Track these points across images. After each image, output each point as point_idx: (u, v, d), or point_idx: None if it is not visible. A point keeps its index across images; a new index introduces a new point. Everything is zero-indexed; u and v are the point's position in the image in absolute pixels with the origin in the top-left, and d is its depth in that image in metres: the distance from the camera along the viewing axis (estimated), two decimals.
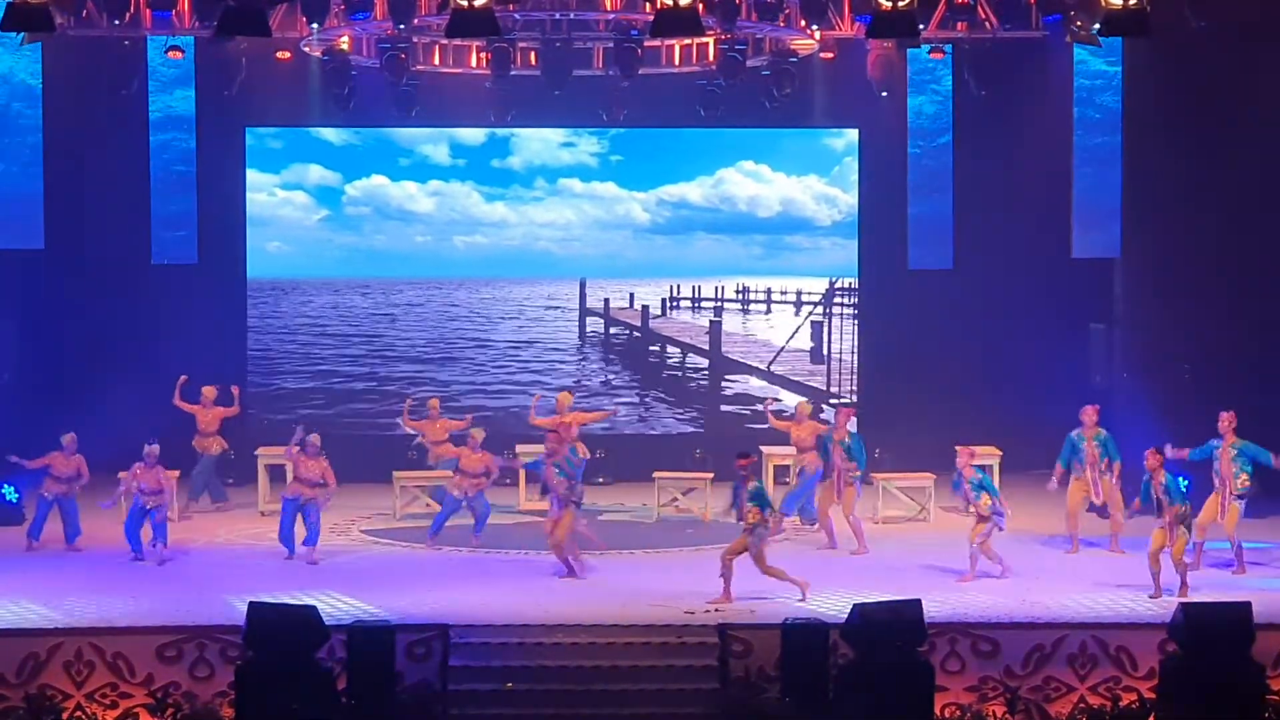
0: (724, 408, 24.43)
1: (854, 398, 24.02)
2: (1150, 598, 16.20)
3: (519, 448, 21.92)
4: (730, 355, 24.71)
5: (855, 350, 24.27)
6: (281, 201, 24.10)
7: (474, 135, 24.16)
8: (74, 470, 18.84)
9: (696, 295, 24.84)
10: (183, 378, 20.81)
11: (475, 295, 24.78)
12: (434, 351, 24.18)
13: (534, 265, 24.37)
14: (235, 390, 21.24)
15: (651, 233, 24.49)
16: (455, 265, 24.43)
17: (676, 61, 21.62)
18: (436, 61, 21.68)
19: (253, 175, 23.93)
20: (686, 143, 24.35)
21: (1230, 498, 17.85)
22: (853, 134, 24.06)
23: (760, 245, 24.65)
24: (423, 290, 24.69)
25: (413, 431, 21.43)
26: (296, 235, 24.19)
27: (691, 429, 24.17)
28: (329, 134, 24.10)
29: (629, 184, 24.38)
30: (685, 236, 24.60)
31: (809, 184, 24.41)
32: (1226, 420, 17.99)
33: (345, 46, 21.01)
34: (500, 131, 23.98)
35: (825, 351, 24.42)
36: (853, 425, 19.70)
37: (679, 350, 24.88)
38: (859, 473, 19.04)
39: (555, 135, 24.20)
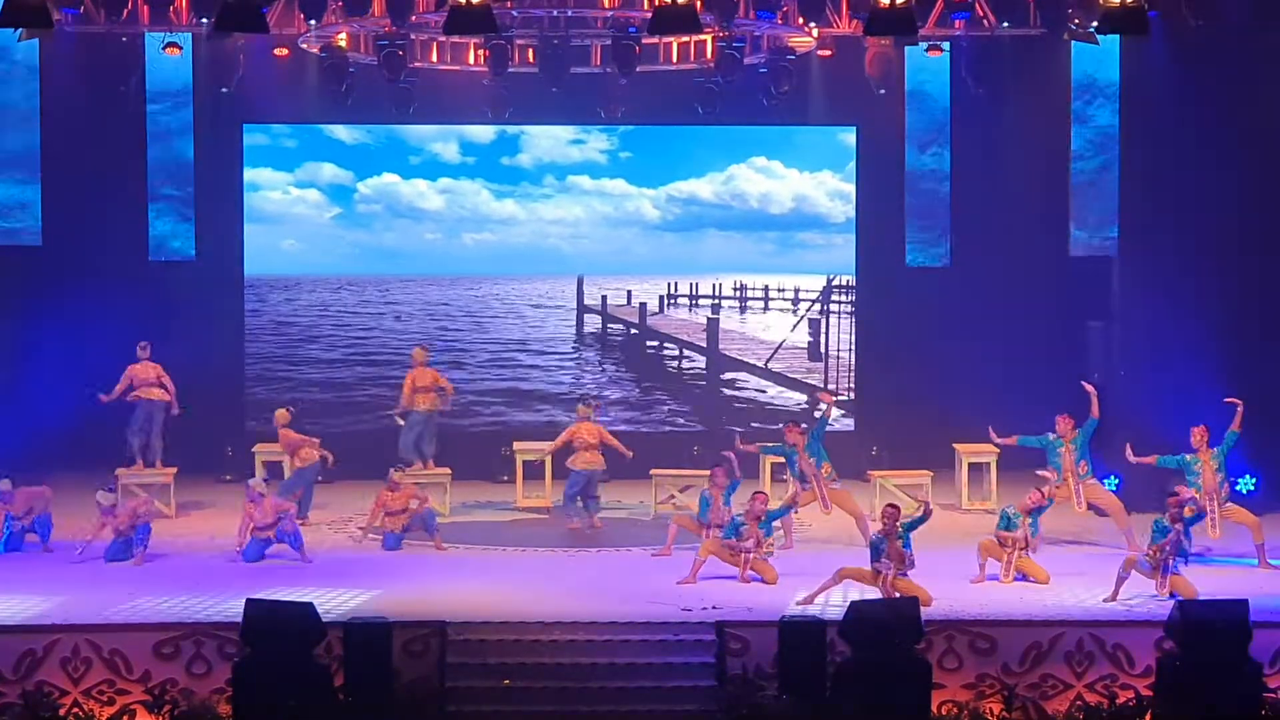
0: (723, 390, 24.45)
1: (851, 395, 24.03)
2: (1104, 601, 16.21)
3: (516, 444, 21.96)
4: (728, 353, 24.70)
5: (853, 348, 24.27)
6: (295, 200, 24.14)
7: (483, 133, 24.14)
8: (26, 508, 18.61)
9: (694, 293, 24.82)
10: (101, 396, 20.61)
11: (476, 292, 24.77)
12: (433, 348, 24.18)
13: (543, 262, 24.35)
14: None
15: (661, 230, 24.46)
16: (465, 263, 24.44)
17: (675, 59, 21.62)
18: (434, 59, 21.68)
19: (267, 174, 23.98)
20: (697, 139, 24.26)
21: (1218, 508, 17.87)
22: None
23: (772, 242, 24.60)
24: (429, 287, 24.69)
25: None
26: (309, 233, 24.23)
27: (689, 426, 24.15)
28: (341, 133, 24.12)
29: (639, 181, 24.35)
30: (695, 233, 24.56)
31: (822, 180, 24.36)
32: (1199, 434, 18.01)
33: (343, 43, 21.01)
34: (510, 129, 23.98)
35: (823, 349, 24.42)
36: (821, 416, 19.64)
37: (676, 347, 24.87)
38: (831, 472, 19.06)
39: (564, 132, 24.17)
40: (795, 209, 24.38)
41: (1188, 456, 18.10)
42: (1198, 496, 17.71)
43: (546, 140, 24.19)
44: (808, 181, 24.37)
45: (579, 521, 19.94)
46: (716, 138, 24.20)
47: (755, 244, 24.63)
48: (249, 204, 23.88)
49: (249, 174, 23.93)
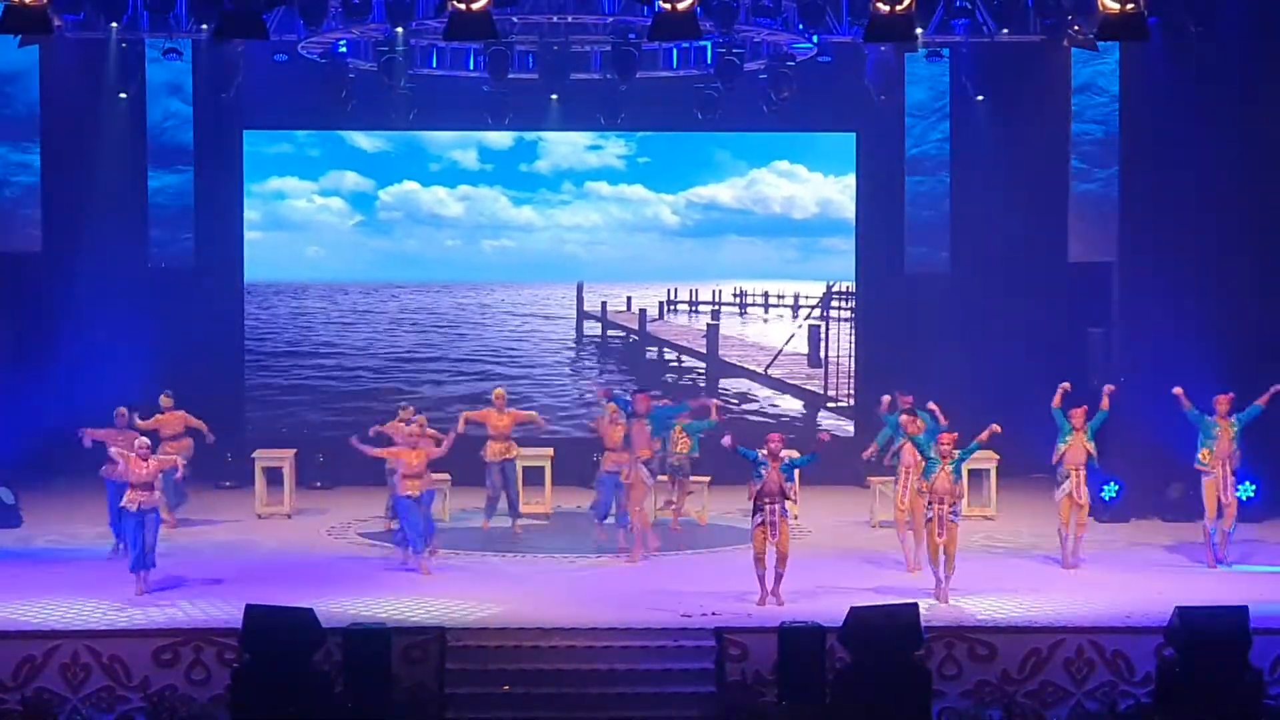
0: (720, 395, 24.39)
1: (851, 401, 24.02)
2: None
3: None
4: (727, 359, 24.68)
5: (852, 354, 24.26)
6: (320, 207, 24.17)
7: (501, 139, 24.13)
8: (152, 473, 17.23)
9: (694, 299, 24.79)
10: (120, 409, 19.18)
11: (471, 299, 24.76)
12: (432, 353, 24.21)
13: (561, 269, 24.33)
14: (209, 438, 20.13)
15: (680, 235, 24.41)
16: (483, 269, 24.44)
17: (675, 65, 21.63)
18: (434, 64, 21.68)
19: (293, 182, 24.07)
20: (716, 144, 24.23)
21: (1230, 476, 17.86)
22: None
23: (795, 248, 24.52)
24: (422, 295, 24.67)
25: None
26: (333, 240, 24.30)
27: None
28: (362, 140, 24.15)
29: (657, 186, 24.33)
30: (715, 239, 24.50)
31: (848, 184, 24.30)
32: (1224, 402, 18.00)
33: (343, 49, 21.00)
34: (528, 135, 24.00)
35: (822, 355, 24.41)
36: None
37: (676, 353, 24.85)
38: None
39: (582, 138, 24.15)
40: (819, 214, 24.29)
41: (1208, 418, 18.08)
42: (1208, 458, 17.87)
43: (564, 146, 24.17)
44: (831, 186, 24.29)
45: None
46: (736, 142, 24.15)
47: (777, 250, 24.55)
48: (276, 212, 24.04)
49: (275, 182, 24.04)
